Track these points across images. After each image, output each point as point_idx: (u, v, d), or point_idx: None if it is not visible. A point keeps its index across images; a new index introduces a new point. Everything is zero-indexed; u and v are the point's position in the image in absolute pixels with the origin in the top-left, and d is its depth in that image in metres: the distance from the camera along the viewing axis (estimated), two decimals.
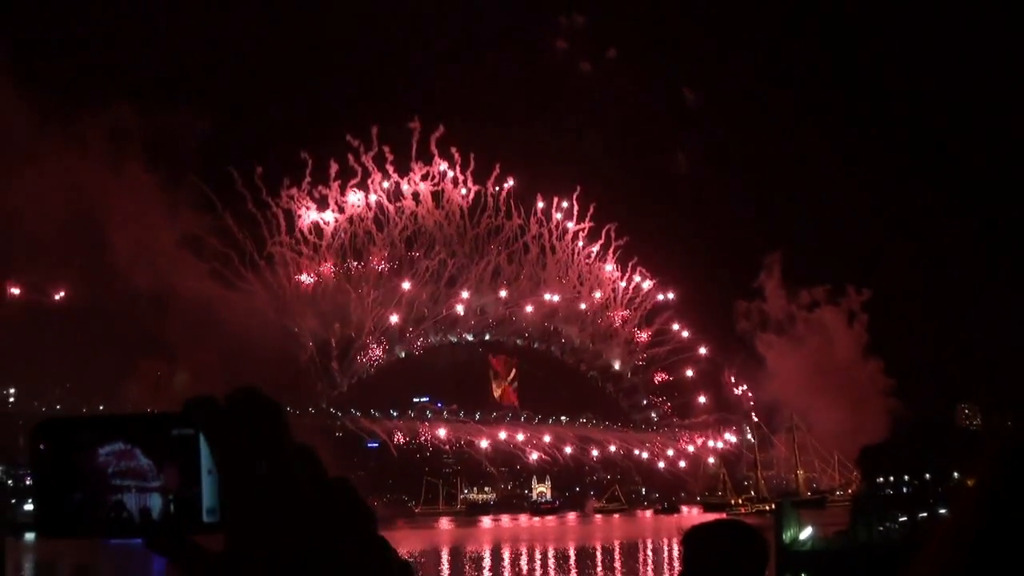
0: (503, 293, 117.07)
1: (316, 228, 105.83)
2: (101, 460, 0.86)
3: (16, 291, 78.58)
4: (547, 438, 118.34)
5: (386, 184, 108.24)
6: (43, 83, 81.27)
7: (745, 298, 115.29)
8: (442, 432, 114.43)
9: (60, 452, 0.88)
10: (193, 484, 0.87)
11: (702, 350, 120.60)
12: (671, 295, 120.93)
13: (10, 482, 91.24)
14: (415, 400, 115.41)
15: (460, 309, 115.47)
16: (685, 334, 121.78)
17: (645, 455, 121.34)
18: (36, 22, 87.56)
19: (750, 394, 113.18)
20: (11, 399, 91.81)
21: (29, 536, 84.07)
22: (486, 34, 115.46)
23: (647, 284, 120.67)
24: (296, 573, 0.82)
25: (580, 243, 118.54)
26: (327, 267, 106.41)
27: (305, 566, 0.82)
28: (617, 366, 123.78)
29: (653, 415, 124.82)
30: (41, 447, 0.87)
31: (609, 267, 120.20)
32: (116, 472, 0.87)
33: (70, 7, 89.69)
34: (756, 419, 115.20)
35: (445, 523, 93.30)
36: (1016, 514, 0.98)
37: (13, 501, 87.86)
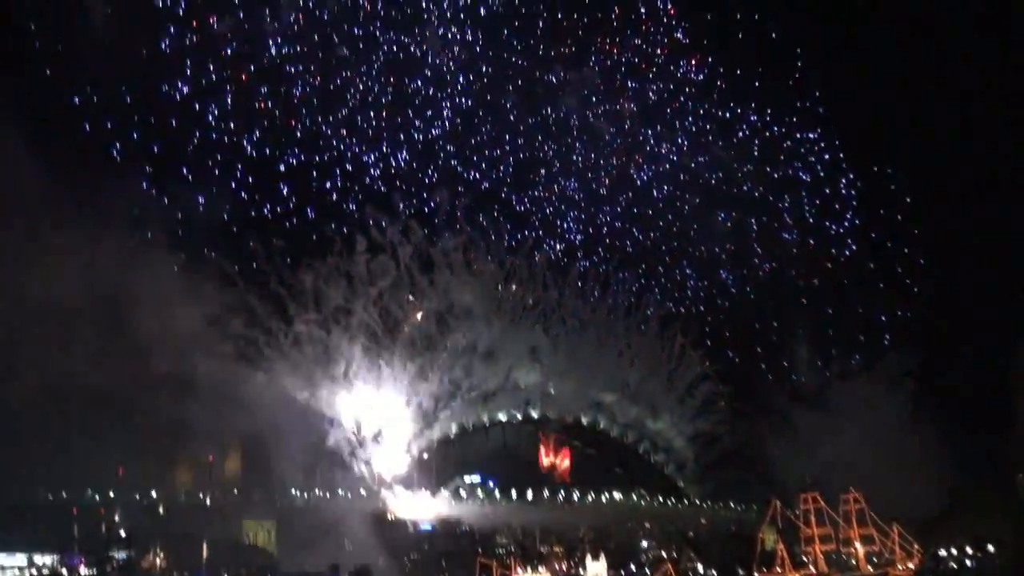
0: (542, 369, 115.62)
1: (345, 304, 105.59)
2: None
3: (37, 376, 78.71)
4: (599, 515, 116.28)
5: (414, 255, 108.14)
6: (61, 160, 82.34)
7: (774, 368, 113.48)
8: (494, 512, 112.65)
9: None
10: None
11: (744, 421, 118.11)
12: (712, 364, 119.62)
13: (63, 571, 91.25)
14: (466, 480, 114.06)
15: (498, 385, 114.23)
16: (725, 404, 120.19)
17: (699, 531, 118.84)
18: (52, 99, 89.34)
19: (799, 466, 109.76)
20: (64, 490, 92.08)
21: None
22: (501, 97, 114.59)
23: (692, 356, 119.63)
24: None
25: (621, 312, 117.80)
26: (357, 342, 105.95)
27: None
28: (666, 438, 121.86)
29: (706, 489, 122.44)
30: None
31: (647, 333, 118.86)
32: None
33: (88, 84, 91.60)
34: (810, 492, 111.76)
35: None
36: None
37: None
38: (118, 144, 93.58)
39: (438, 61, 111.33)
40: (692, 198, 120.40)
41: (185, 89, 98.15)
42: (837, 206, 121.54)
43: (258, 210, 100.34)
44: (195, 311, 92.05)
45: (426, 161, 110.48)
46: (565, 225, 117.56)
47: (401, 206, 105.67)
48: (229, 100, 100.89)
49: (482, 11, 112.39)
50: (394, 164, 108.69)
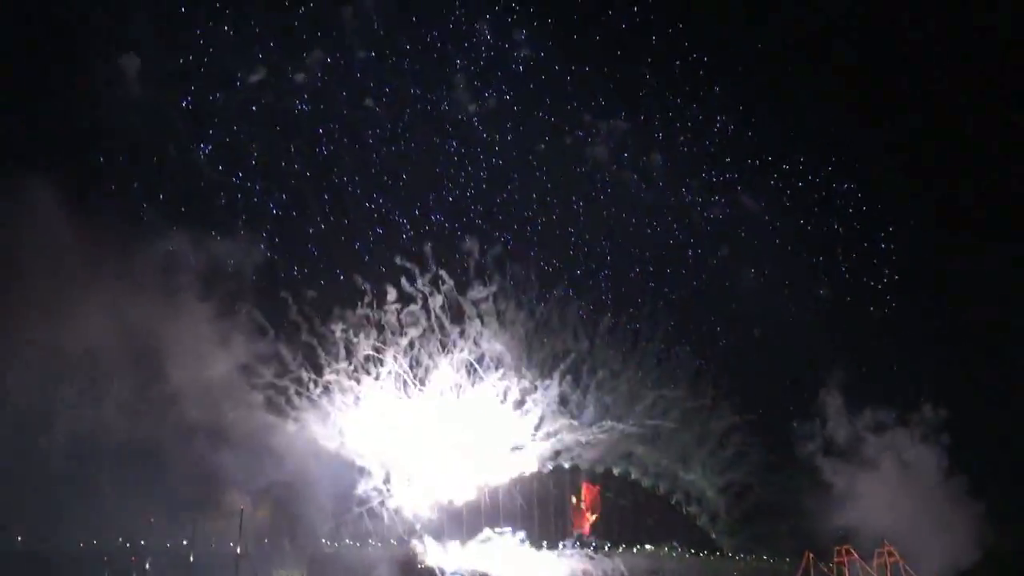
0: (572, 419, 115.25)
1: (375, 354, 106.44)
2: None
3: (70, 425, 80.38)
4: (631, 567, 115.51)
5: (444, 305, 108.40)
6: (95, 212, 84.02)
7: (803, 419, 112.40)
8: (524, 563, 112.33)
9: None
10: None
11: (776, 473, 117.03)
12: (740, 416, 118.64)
13: None
14: (495, 530, 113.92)
15: (528, 435, 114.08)
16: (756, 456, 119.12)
17: None
18: (88, 153, 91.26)
19: (832, 519, 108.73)
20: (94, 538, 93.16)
21: None
22: (528, 148, 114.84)
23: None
24: None
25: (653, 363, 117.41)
26: (388, 394, 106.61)
27: None
28: (698, 489, 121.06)
29: (739, 541, 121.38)
30: None
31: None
32: None
33: (119, 137, 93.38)
34: (843, 545, 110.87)
35: None
36: None
37: None
38: (145, 204, 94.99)
39: (463, 117, 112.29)
40: (722, 253, 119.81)
41: (209, 148, 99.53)
42: (875, 261, 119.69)
43: (287, 269, 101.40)
44: (226, 362, 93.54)
45: (455, 218, 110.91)
46: (592, 282, 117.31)
47: (431, 260, 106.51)
48: (254, 159, 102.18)
49: (516, 67, 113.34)
50: (425, 226, 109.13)
